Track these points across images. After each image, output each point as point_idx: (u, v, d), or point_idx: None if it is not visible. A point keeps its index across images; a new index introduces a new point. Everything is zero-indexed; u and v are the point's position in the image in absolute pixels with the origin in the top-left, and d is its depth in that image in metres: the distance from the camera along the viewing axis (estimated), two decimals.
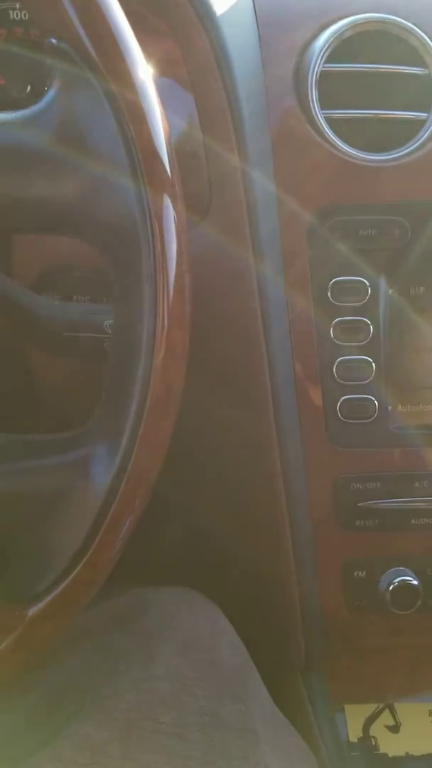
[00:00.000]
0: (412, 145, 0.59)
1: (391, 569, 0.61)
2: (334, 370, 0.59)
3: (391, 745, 0.62)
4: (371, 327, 0.58)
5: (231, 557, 0.64)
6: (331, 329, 0.58)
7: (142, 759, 0.45)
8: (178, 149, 0.57)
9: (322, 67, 0.58)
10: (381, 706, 0.64)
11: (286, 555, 0.60)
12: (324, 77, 0.58)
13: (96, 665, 0.51)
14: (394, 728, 0.63)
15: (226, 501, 0.62)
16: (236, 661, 0.53)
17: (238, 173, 0.57)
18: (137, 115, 0.39)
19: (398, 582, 0.60)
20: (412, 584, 0.60)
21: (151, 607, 0.54)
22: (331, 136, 0.58)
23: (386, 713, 0.64)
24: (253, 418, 0.59)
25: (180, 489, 0.64)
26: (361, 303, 0.58)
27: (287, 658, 0.64)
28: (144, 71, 0.38)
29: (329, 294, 0.58)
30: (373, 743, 0.63)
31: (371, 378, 0.59)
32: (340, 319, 0.58)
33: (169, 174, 0.40)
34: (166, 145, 0.40)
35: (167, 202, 0.40)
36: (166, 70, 0.60)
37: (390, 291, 0.59)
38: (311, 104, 0.58)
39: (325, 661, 0.64)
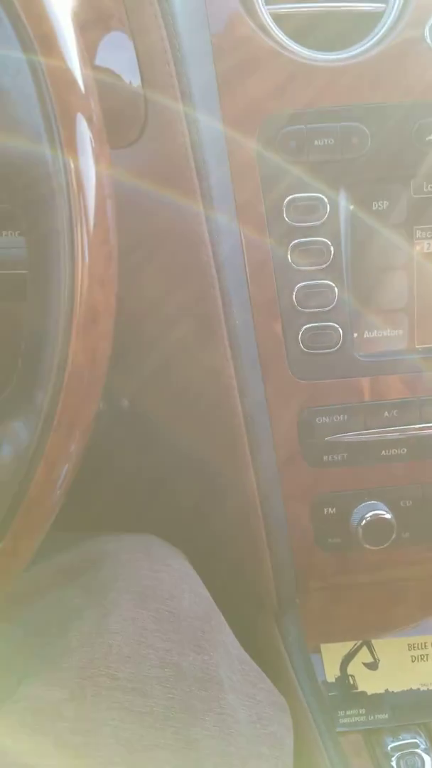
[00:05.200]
0: (369, 41, 0.53)
1: (363, 503, 0.58)
2: (294, 297, 0.54)
3: (369, 683, 0.61)
4: (332, 248, 0.54)
5: (193, 503, 0.61)
6: (289, 253, 0.54)
7: (98, 718, 0.43)
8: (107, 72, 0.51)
9: None
10: (358, 643, 0.62)
11: (251, 496, 0.57)
12: None
13: (46, 623, 0.48)
14: (372, 665, 0.62)
15: (184, 445, 0.59)
16: (199, 608, 0.50)
17: (174, 83, 0.51)
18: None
19: (371, 516, 0.57)
20: (385, 518, 0.57)
21: (106, 557, 0.51)
22: (279, 34, 0.52)
23: (364, 650, 0.62)
24: (208, 351, 0.54)
25: (136, 435, 0.60)
26: (319, 222, 0.54)
27: (259, 602, 0.62)
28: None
29: (284, 214, 0.53)
30: (351, 682, 0.61)
31: (334, 304, 0.55)
32: (298, 240, 0.54)
33: (83, 90, 0.35)
34: (80, 62, 0.35)
35: (83, 130, 0.35)
36: None
37: (351, 207, 0.54)
38: None
39: (299, 602, 0.62)
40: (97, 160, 0.35)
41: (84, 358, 0.35)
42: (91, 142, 0.35)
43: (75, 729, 0.42)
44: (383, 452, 0.57)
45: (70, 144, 0.34)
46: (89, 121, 0.35)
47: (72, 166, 0.34)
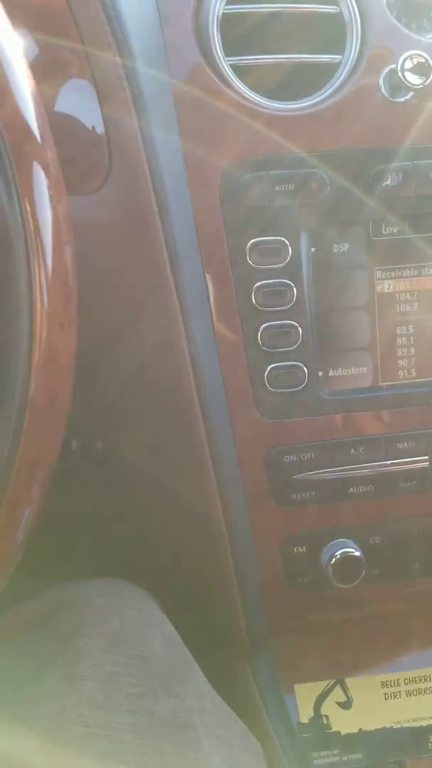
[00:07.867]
0: (326, 91, 0.55)
1: (332, 542, 0.58)
2: (259, 338, 0.55)
3: (343, 723, 0.60)
4: (295, 289, 0.55)
5: (162, 546, 0.60)
6: (253, 294, 0.55)
7: (69, 767, 0.42)
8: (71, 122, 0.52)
9: (224, 9, 0.54)
10: (332, 682, 0.62)
11: (220, 537, 0.57)
12: (227, 21, 0.54)
13: (17, 672, 0.47)
14: (346, 704, 0.61)
15: (152, 488, 0.59)
16: (170, 652, 0.50)
17: (137, 133, 0.52)
18: None
19: (340, 554, 0.57)
20: (354, 555, 0.57)
21: (76, 603, 0.51)
22: (238, 84, 0.54)
23: (337, 689, 0.62)
24: (174, 392, 0.55)
25: (105, 477, 0.60)
26: (282, 264, 0.55)
27: (231, 643, 0.61)
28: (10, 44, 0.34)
29: (248, 257, 0.54)
30: (325, 722, 0.61)
31: (298, 343, 0.56)
32: (262, 282, 0.55)
33: (39, 139, 0.36)
34: (35, 110, 0.36)
35: (39, 177, 0.35)
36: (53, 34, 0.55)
37: (312, 249, 0.56)
38: (214, 51, 0.54)
39: (271, 642, 0.62)
40: (54, 206, 0.36)
41: (44, 399, 0.35)
42: (48, 188, 0.36)
43: None
44: (351, 489, 0.57)
45: (26, 190, 0.35)
46: (46, 168, 0.36)
47: (29, 209, 0.35)
